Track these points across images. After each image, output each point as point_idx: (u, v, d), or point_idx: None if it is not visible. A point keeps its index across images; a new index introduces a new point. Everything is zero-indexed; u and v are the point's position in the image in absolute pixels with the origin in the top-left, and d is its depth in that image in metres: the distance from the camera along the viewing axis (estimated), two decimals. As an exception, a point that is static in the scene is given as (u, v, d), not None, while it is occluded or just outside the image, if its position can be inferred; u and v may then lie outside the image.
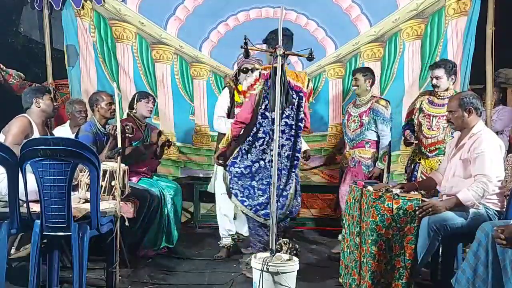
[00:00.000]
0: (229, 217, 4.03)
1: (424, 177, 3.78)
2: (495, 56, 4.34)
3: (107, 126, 3.83)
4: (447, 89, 3.83)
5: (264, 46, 3.59)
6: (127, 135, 3.72)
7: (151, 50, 4.95)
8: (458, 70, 4.55)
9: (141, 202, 3.60)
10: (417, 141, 3.93)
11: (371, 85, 4.17)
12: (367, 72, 4.18)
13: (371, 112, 4.07)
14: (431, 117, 3.85)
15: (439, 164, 3.67)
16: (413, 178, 3.93)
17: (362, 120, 4.11)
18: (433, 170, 3.63)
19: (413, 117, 4.02)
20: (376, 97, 4.18)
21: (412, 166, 3.99)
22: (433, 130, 3.83)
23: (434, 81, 3.82)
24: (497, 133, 4.49)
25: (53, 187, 2.69)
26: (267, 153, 3.50)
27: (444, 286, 2.98)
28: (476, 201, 2.93)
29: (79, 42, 4.90)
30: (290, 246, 3.36)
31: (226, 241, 4.06)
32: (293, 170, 3.59)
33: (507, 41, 4.46)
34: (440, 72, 3.79)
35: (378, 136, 4.11)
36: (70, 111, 4.36)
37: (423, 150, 3.89)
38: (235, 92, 3.91)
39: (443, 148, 3.72)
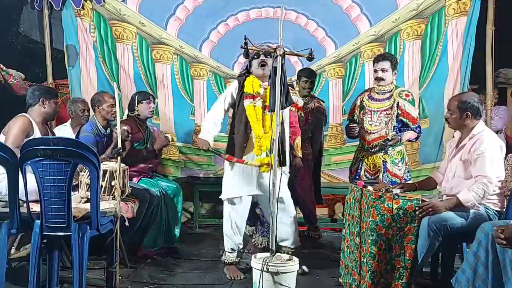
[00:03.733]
0: (239, 228, 3.52)
1: (368, 175, 3.77)
2: (495, 56, 4.35)
3: (111, 126, 3.81)
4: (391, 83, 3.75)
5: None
6: (125, 138, 3.68)
7: (151, 50, 4.95)
8: (458, 70, 4.59)
9: (141, 202, 3.59)
10: (358, 136, 3.89)
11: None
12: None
13: None
14: (372, 112, 3.77)
15: (383, 160, 3.69)
16: (357, 177, 3.83)
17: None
18: (434, 170, 3.62)
19: (354, 115, 3.92)
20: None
21: (356, 165, 3.89)
22: (375, 125, 3.75)
23: (380, 73, 3.70)
24: (497, 132, 4.52)
25: (53, 187, 2.68)
26: None
27: (444, 286, 2.97)
28: (477, 202, 2.93)
29: (79, 42, 4.92)
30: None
31: (232, 257, 3.57)
32: None
33: (507, 41, 4.47)
34: (386, 64, 3.69)
35: None
36: (73, 110, 4.33)
37: (365, 147, 3.81)
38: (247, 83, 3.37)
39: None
